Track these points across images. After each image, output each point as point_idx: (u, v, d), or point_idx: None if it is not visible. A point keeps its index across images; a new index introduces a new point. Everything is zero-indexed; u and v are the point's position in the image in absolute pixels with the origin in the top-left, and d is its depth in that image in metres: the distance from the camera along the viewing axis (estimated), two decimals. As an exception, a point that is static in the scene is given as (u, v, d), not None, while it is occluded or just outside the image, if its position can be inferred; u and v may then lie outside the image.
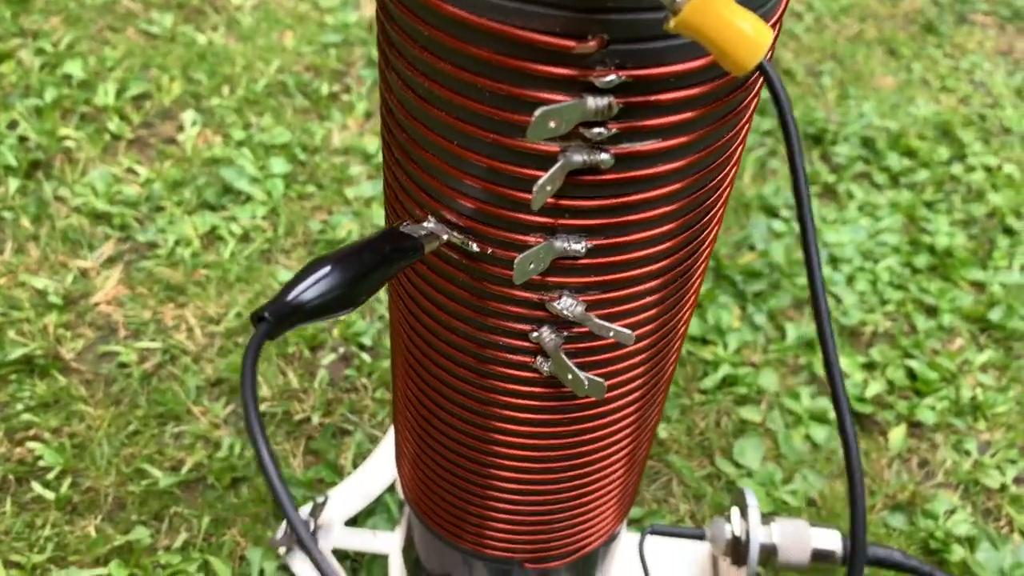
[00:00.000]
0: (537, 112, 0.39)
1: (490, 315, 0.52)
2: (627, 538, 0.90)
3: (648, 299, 0.52)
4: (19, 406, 1.05)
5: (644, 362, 0.58)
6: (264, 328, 0.37)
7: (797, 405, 1.14)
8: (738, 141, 0.50)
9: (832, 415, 1.14)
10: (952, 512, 1.05)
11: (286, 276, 1.22)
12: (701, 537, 0.87)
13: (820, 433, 1.11)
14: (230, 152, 1.40)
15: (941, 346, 1.25)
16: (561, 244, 0.47)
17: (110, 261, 1.24)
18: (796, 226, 1.40)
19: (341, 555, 0.93)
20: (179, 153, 1.40)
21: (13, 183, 1.31)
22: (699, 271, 0.57)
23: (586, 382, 0.52)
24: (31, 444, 1.02)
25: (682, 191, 0.47)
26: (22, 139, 1.39)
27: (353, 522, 0.95)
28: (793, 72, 1.76)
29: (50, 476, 0.99)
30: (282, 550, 0.91)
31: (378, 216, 1.33)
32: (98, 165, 1.37)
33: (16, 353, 1.10)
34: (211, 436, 1.05)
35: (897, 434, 1.12)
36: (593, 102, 0.40)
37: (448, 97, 0.43)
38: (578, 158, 0.42)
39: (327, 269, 0.41)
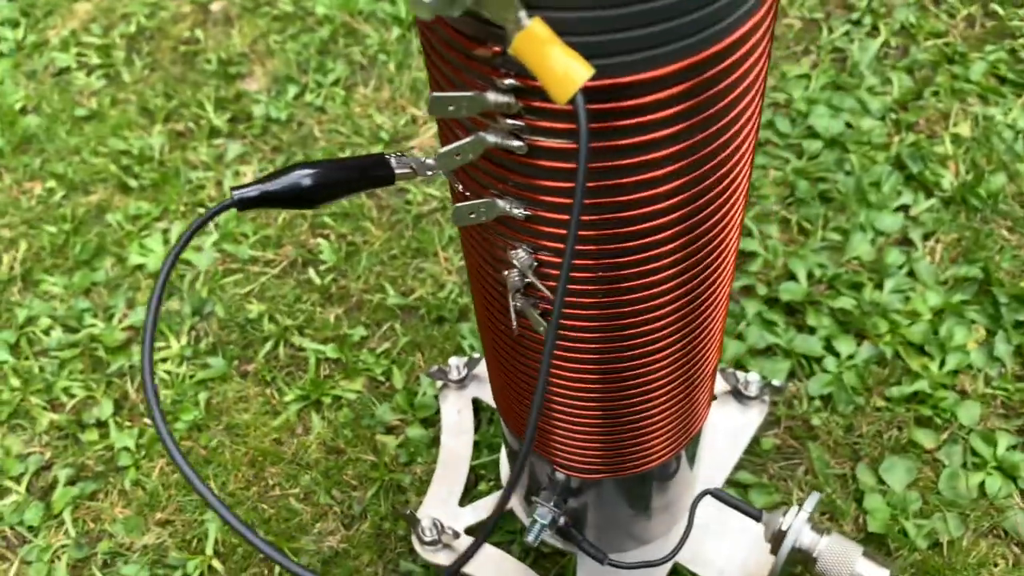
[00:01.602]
0: (432, 95, 0.49)
1: (479, 249, 0.63)
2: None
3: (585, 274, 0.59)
4: (331, 209, 1.36)
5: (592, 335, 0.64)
6: (223, 204, 0.53)
7: (987, 449, 1.05)
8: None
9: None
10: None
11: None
12: (757, 518, 0.89)
13: (996, 484, 1.02)
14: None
15: None
16: (504, 204, 0.56)
17: (438, 114, 1.48)
18: (1121, 266, 1.20)
19: (481, 405, 1.10)
20: (529, 34, 1.58)
21: (395, 31, 1.60)
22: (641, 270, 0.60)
23: (514, 321, 0.61)
24: (320, 240, 1.32)
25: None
26: (418, -4, 1.66)
27: (502, 384, 1.11)
28: None
29: (323, 268, 1.29)
30: (438, 384, 1.11)
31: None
32: (464, 31, 1.60)
33: (340, 168, 1.40)
34: (440, 279, 1.26)
35: (1089, 523, 0.99)
36: (494, 97, 0.49)
37: (429, 65, 0.54)
38: (491, 139, 0.51)
39: (304, 172, 0.56)
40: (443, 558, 0.98)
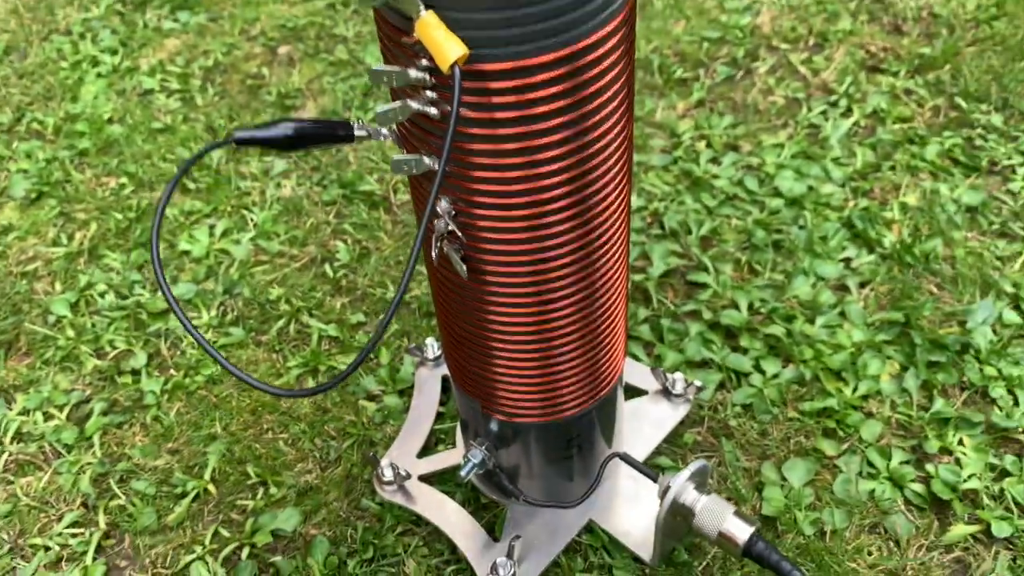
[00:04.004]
0: (371, 68, 0.70)
1: (419, 203, 0.83)
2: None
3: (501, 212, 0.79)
4: (352, 219, 1.59)
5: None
6: (222, 139, 0.75)
7: (882, 461, 1.20)
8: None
9: (913, 488, 1.17)
10: (957, 614, 1.05)
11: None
12: (654, 479, 1.05)
13: (884, 491, 1.16)
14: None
15: (1102, 492, 1.16)
16: (428, 162, 0.77)
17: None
18: (1033, 325, 1.35)
19: (449, 383, 1.29)
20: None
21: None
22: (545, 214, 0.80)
23: (435, 255, 0.81)
24: (339, 243, 1.54)
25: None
26: (455, 54, 1.92)
27: (469, 368, 1.30)
28: None
29: (337, 264, 1.51)
30: (415, 360, 1.30)
31: (647, 201, 1.60)
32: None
33: (365, 187, 1.63)
34: (434, 282, 1.47)
35: (957, 530, 1.12)
36: (414, 74, 0.70)
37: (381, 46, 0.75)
38: (414, 105, 0.72)
39: (287, 125, 0.77)
40: (399, 498, 1.16)
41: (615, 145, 0.78)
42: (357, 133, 0.80)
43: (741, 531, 0.99)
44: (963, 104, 1.71)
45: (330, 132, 0.79)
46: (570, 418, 1.02)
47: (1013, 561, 1.10)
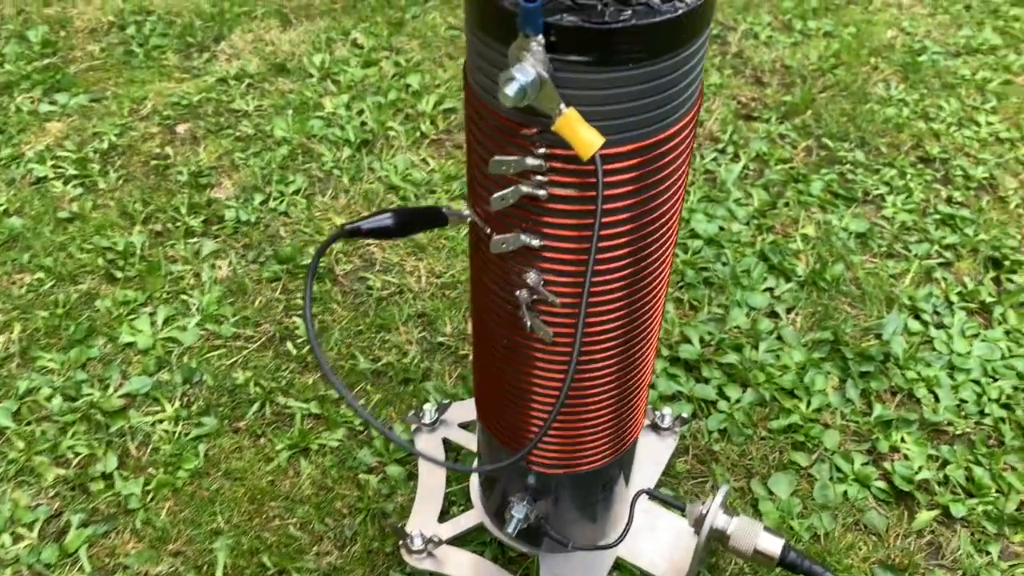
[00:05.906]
0: (492, 159, 0.76)
1: (494, 276, 0.88)
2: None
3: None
4: (301, 294, 1.58)
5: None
6: (336, 233, 0.78)
7: (847, 465, 1.35)
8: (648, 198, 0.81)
9: (878, 485, 1.33)
10: (940, 589, 1.21)
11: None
12: (682, 509, 1.14)
13: (855, 491, 1.32)
14: (495, 163, 1.86)
15: (1020, 464, 1.37)
16: (524, 238, 0.83)
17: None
18: (933, 332, 1.56)
19: (449, 445, 1.32)
20: (461, 157, 1.89)
21: (346, 151, 1.87)
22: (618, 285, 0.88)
23: (529, 324, 0.86)
24: (295, 318, 1.53)
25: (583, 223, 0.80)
26: (363, 123, 1.95)
27: (465, 427, 1.34)
28: (1008, 200, 1.86)
29: (299, 340, 1.50)
30: (412, 427, 1.33)
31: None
32: (405, 152, 1.89)
33: (306, 261, 1.63)
34: (403, 347, 1.50)
35: (923, 517, 1.29)
36: (531, 160, 0.76)
37: (472, 142, 0.81)
38: (526, 189, 0.78)
39: (388, 216, 0.81)
40: (429, 564, 1.18)
41: (669, 225, 0.87)
42: (450, 217, 0.85)
43: (774, 544, 1.09)
44: (829, 144, 1.95)
45: (428, 219, 0.84)
46: (602, 467, 1.09)
47: (972, 536, 1.28)
